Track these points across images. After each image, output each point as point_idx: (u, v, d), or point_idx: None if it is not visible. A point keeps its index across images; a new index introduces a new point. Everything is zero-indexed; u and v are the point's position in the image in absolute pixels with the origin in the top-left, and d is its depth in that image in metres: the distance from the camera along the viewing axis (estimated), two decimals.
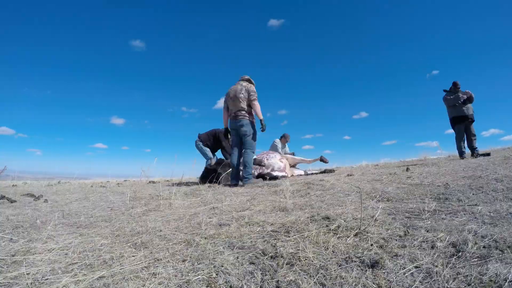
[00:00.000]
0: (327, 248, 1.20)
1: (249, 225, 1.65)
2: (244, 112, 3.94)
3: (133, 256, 1.23)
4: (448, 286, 0.85)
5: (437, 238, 1.20)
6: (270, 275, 1.00)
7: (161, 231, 1.64)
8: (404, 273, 0.95)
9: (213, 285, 0.95)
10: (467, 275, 0.89)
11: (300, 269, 1.03)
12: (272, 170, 4.58)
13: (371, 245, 1.20)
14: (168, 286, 0.96)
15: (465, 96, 5.37)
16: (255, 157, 4.86)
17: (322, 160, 5.45)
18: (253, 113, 4.02)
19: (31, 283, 0.99)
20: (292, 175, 4.81)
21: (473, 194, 1.98)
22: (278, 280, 0.96)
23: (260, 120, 3.90)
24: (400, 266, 1.00)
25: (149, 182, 5.66)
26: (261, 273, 1.02)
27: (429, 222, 1.47)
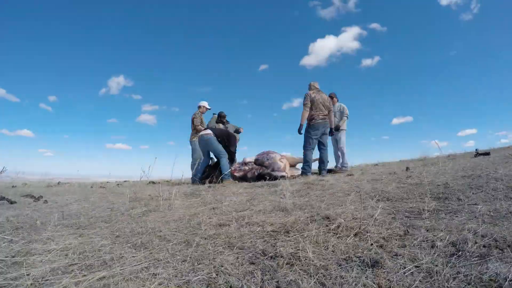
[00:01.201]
0: (327, 248, 1.20)
1: (249, 225, 1.65)
2: (327, 116, 4.65)
3: (133, 256, 1.23)
4: (448, 286, 0.85)
5: (437, 238, 1.20)
6: (270, 275, 1.00)
7: (161, 231, 1.64)
8: (404, 273, 0.95)
9: (213, 285, 0.95)
10: (467, 274, 0.89)
11: (300, 269, 1.03)
12: (272, 170, 4.58)
13: (371, 244, 1.20)
14: (168, 286, 0.96)
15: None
16: (256, 157, 4.87)
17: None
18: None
19: (32, 284, 0.99)
20: (292, 175, 4.81)
21: (473, 193, 1.98)
22: (278, 280, 0.96)
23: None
24: (400, 265, 1.00)
25: (149, 182, 5.66)
26: (261, 273, 1.02)
27: (429, 221, 1.47)
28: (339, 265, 1.04)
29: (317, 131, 4.54)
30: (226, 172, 4.38)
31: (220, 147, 4.66)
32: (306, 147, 4.58)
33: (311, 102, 4.52)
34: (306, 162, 4.59)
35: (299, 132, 4.64)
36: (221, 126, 5.81)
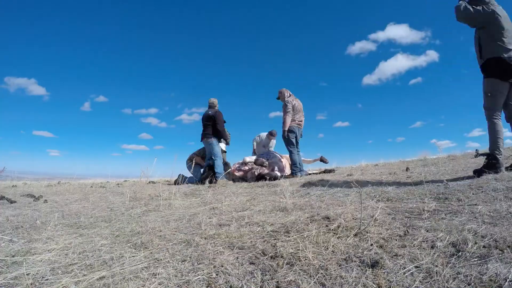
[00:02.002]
0: (327, 248, 1.20)
1: (249, 225, 1.65)
2: (302, 122, 5.02)
3: (133, 256, 1.23)
4: (448, 286, 0.85)
5: (437, 238, 1.20)
6: (270, 275, 1.00)
7: (161, 231, 1.64)
8: (404, 273, 0.95)
9: (213, 285, 0.95)
10: (467, 275, 0.89)
11: (300, 269, 1.03)
12: (272, 170, 4.58)
13: (371, 245, 1.20)
14: (168, 286, 0.96)
15: None
16: (256, 157, 4.89)
17: (322, 160, 5.46)
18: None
19: (31, 284, 0.99)
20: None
21: (473, 193, 1.98)
22: (278, 280, 0.96)
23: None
24: (400, 266, 1.00)
25: (149, 182, 5.66)
26: (261, 273, 1.02)
27: (429, 222, 1.47)
28: (339, 265, 1.04)
29: (293, 134, 4.83)
30: (219, 171, 4.52)
31: (217, 149, 4.83)
32: (291, 150, 4.80)
33: (292, 108, 4.86)
34: (294, 163, 4.78)
35: (283, 138, 4.82)
36: None
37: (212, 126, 4.93)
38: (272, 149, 6.85)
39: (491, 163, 2.48)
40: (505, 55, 2.45)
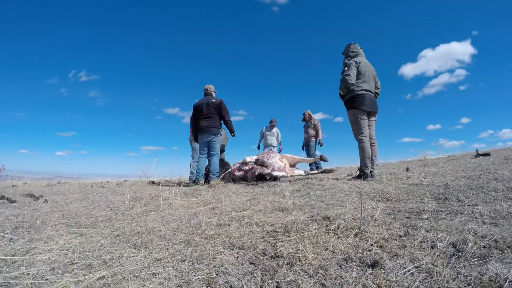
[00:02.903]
0: (327, 248, 1.20)
1: (249, 225, 1.65)
2: None
3: (133, 256, 1.23)
4: (448, 286, 0.85)
5: (437, 238, 1.20)
6: (270, 275, 1.00)
7: (161, 231, 1.64)
8: (404, 273, 0.95)
9: (213, 285, 0.95)
10: (467, 275, 0.89)
11: (300, 269, 1.03)
12: (272, 170, 4.58)
13: (371, 245, 1.20)
14: (168, 286, 0.96)
15: None
16: (256, 157, 4.88)
17: (321, 159, 5.46)
18: None
19: (31, 283, 0.99)
20: (292, 175, 4.81)
21: (473, 194, 1.98)
22: (278, 280, 0.96)
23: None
24: (400, 266, 1.00)
25: (149, 182, 5.66)
26: (261, 273, 1.02)
27: (429, 222, 1.47)
28: (339, 265, 1.04)
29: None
30: (214, 172, 4.48)
31: (218, 146, 4.69)
32: None
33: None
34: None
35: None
36: None
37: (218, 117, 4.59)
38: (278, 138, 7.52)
39: (362, 174, 3.25)
40: (360, 92, 3.32)
